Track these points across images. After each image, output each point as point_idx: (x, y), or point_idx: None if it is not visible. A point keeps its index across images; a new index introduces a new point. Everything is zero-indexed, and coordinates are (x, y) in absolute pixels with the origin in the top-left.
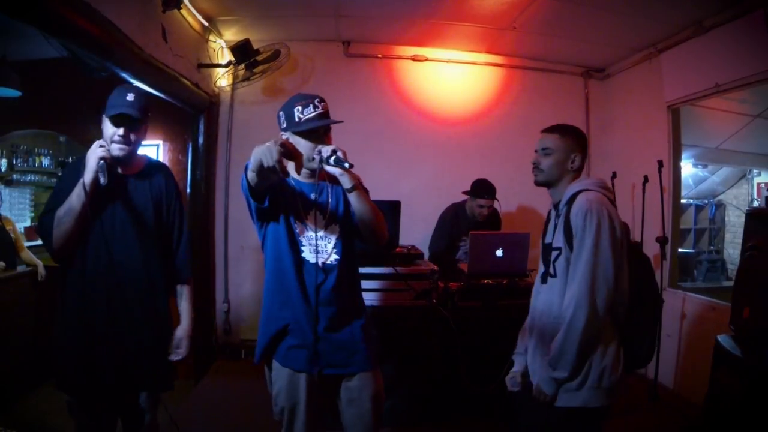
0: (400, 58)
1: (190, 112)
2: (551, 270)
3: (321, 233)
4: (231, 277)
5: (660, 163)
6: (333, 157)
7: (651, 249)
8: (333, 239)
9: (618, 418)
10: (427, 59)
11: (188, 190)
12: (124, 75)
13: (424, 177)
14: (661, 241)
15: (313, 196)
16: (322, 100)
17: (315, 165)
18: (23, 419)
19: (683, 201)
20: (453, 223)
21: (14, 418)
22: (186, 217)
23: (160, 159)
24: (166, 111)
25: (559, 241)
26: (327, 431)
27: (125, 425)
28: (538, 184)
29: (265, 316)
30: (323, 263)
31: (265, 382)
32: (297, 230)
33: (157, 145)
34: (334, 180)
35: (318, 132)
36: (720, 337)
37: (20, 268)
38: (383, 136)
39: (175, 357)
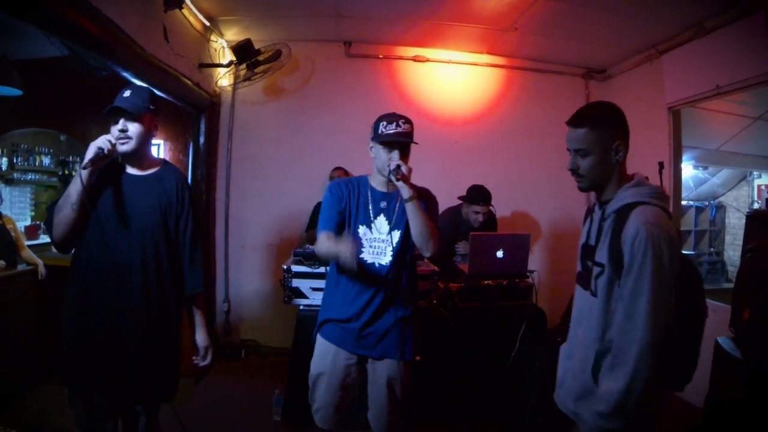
0: (401, 58)
1: (192, 112)
2: (592, 286)
3: (383, 237)
4: (231, 276)
5: (660, 165)
6: (393, 171)
7: None
8: (392, 243)
9: None
10: (428, 60)
11: None
12: (126, 74)
13: (425, 178)
14: None
15: (383, 204)
16: (407, 122)
17: (386, 174)
18: (23, 418)
19: (684, 203)
20: (449, 227)
21: (14, 417)
22: (199, 229)
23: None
24: (168, 111)
25: (603, 256)
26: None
27: (125, 424)
28: (584, 190)
29: (324, 303)
30: (379, 263)
31: None
32: (360, 233)
33: (159, 145)
34: None
35: (394, 146)
36: (720, 339)
37: (21, 267)
38: None
39: (200, 363)
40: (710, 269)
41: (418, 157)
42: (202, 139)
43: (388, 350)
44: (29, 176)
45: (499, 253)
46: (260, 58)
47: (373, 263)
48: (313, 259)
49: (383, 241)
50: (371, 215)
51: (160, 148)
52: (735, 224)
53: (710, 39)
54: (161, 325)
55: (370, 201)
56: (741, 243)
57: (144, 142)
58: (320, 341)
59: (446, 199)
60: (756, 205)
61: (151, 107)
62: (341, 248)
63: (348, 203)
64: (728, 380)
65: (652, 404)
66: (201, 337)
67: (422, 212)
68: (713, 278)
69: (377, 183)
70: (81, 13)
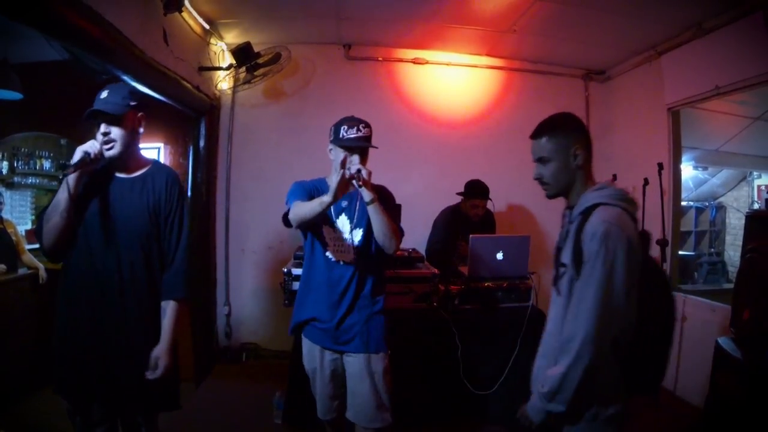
0: (400, 61)
1: (191, 115)
2: (560, 285)
3: (346, 235)
4: (231, 279)
5: (660, 166)
6: (354, 175)
7: (651, 251)
8: (355, 241)
9: None
10: (427, 62)
11: (189, 193)
12: (125, 78)
13: (424, 180)
14: (662, 243)
15: (344, 203)
16: (367, 126)
17: (346, 176)
18: (24, 422)
19: (683, 203)
20: (449, 225)
21: (15, 421)
22: (186, 229)
23: (161, 162)
24: (167, 114)
25: (566, 257)
26: None
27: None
28: (550, 197)
29: (297, 303)
30: (343, 261)
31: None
32: (325, 232)
33: (158, 148)
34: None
35: (354, 150)
36: (720, 340)
37: (21, 271)
38: (384, 139)
39: (150, 376)
40: (710, 270)
41: (419, 158)
42: (202, 143)
43: (361, 344)
44: (30, 180)
45: (499, 255)
46: (260, 61)
47: (339, 261)
48: None
49: (346, 239)
50: (333, 215)
51: (160, 152)
52: (735, 225)
53: (709, 39)
54: (154, 333)
55: None
56: (741, 243)
57: (130, 143)
58: (305, 341)
59: (446, 200)
60: (756, 206)
61: (133, 104)
62: (321, 198)
63: (315, 191)
64: (728, 380)
65: (608, 406)
66: (162, 346)
67: (383, 213)
68: (713, 279)
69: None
70: (81, 16)
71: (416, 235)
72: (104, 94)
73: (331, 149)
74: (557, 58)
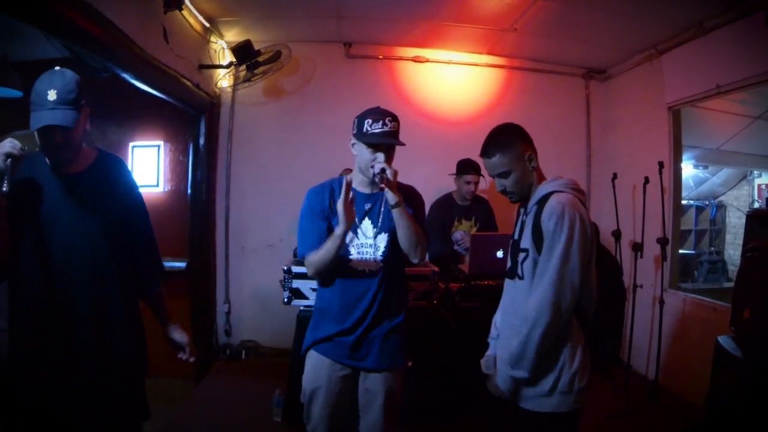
0: (401, 59)
1: (191, 113)
2: (519, 271)
3: (370, 241)
4: (231, 277)
5: (661, 164)
6: (377, 176)
7: (652, 250)
8: (381, 248)
9: (618, 420)
10: (428, 60)
11: (189, 191)
12: (125, 76)
13: (425, 178)
14: (662, 242)
15: (367, 206)
16: (394, 119)
17: (369, 175)
18: None
19: (684, 202)
20: (443, 211)
21: None
22: (147, 214)
23: (161, 160)
24: (167, 112)
25: (527, 242)
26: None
27: None
28: (517, 203)
29: (316, 318)
30: (369, 270)
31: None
32: (346, 239)
33: (158, 146)
34: None
35: (380, 147)
36: (720, 338)
37: None
38: None
39: (184, 357)
40: (711, 268)
41: (419, 156)
42: (202, 141)
43: (381, 360)
44: None
45: (499, 253)
46: (260, 59)
47: (363, 270)
48: None
49: (370, 246)
50: (358, 219)
51: (160, 150)
52: (735, 223)
53: (710, 38)
54: (119, 334)
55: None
56: (741, 242)
57: (80, 143)
58: (312, 355)
59: None
60: (756, 205)
61: (83, 102)
62: (335, 231)
63: (329, 211)
64: (728, 379)
65: (579, 380)
66: (179, 335)
67: (409, 218)
68: (714, 277)
69: (359, 183)
70: (81, 13)
71: None
72: (51, 96)
73: (353, 143)
74: (558, 56)
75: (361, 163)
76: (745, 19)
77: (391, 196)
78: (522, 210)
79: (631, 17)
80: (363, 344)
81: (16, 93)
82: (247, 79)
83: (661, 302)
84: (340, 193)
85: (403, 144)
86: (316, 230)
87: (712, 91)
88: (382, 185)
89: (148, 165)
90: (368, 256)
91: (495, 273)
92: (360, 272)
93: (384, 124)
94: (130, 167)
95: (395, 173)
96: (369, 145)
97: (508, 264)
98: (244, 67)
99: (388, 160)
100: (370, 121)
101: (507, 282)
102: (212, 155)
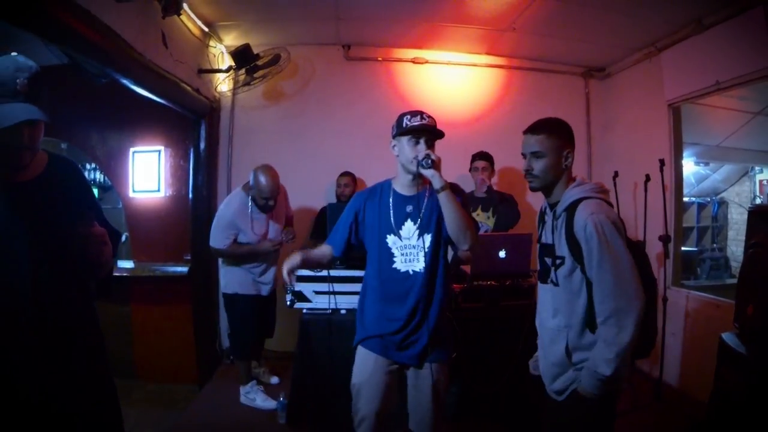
0: (400, 60)
1: (191, 118)
2: (553, 277)
3: (413, 242)
4: None
5: (662, 162)
6: (423, 161)
7: (654, 247)
8: (424, 248)
9: (622, 418)
10: (427, 61)
11: (190, 196)
12: (125, 81)
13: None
14: (664, 239)
15: (408, 208)
16: (430, 116)
17: (413, 168)
18: None
19: (685, 199)
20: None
21: None
22: (102, 215)
23: (162, 165)
24: (167, 117)
25: (562, 250)
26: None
27: None
28: (534, 190)
29: (365, 316)
30: (413, 271)
31: None
32: (389, 242)
33: (159, 151)
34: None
35: (420, 134)
36: (724, 335)
37: None
38: (384, 139)
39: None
40: (713, 265)
41: None
42: (202, 145)
43: (427, 356)
44: None
45: (501, 253)
46: (259, 62)
47: (407, 271)
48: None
49: (414, 246)
50: (398, 222)
51: (160, 155)
52: (737, 220)
53: (709, 35)
54: (83, 344)
55: (392, 208)
56: (744, 238)
57: (36, 146)
58: (361, 350)
59: None
60: (758, 201)
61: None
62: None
63: (365, 215)
64: (733, 376)
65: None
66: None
67: (456, 202)
68: (716, 274)
69: (401, 186)
70: (80, 20)
71: None
72: (21, 84)
73: (394, 145)
74: (557, 55)
75: (404, 159)
76: (743, 14)
77: (437, 180)
78: (549, 213)
79: (629, 15)
80: (410, 341)
81: None
82: (246, 83)
83: (665, 300)
84: (380, 195)
85: (442, 134)
86: (341, 229)
87: (712, 87)
88: (429, 164)
89: (149, 170)
90: (412, 257)
91: (497, 273)
92: (404, 273)
93: (422, 117)
94: (130, 171)
95: (439, 159)
96: (410, 132)
97: (539, 266)
98: (243, 70)
99: (430, 149)
100: (409, 116)
101: (541, 286)
102: (213, 159)
